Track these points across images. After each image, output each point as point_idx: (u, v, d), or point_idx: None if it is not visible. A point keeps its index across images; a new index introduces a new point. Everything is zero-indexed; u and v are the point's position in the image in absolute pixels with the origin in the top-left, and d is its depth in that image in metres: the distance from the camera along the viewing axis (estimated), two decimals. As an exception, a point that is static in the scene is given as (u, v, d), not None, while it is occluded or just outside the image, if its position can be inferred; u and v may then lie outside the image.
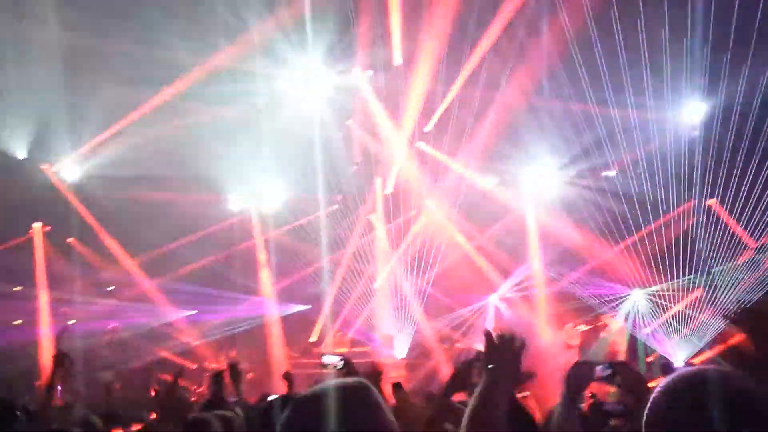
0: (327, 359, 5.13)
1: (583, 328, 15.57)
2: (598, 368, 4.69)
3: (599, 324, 15.36)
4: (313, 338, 17.22)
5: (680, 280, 15.46)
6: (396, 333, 16.64)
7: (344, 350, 16.32)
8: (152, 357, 16.41)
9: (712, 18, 11.31)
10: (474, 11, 12.10)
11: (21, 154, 14.62)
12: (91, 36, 12.55)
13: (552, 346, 15.66)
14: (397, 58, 13.58)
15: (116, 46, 12.70)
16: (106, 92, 13.53)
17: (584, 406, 5.34)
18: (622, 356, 14.39)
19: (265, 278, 17.18)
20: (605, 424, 4.69)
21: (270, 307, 17.01)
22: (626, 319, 15.72)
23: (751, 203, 14.28)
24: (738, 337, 15.16)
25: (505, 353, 2.32)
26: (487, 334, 2.38)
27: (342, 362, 5.04)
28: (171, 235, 16.00)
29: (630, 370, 4.30)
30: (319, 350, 16.57)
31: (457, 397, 4.06)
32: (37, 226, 16.14)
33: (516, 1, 11.96)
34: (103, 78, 13.30)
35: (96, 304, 16.24)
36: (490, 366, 2.30)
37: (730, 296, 15.17)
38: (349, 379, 1.99)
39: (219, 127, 14.59)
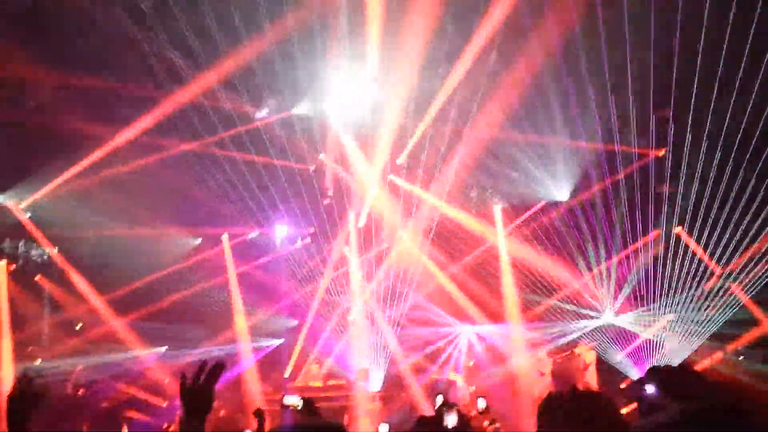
0: (287, 400, 5.13)
1: (549, 358, 15.64)
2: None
3: (572, 353, 15.46)
4: (286, 373, 17.04)
5: (650, 307, 15.71)
6: (370, 365, 16.55)
7: (318, 384, 16.20)
8: (121, 395, 16.09)
9: (677, 40, 11.57)
10: (445, 44, 12.22)
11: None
12: (57, 69, 12.39)
13: (526, 375, 15.72)
14: (373, 91, 13.65)
15: (84, 80, 12.55)
16: (74, 129, 13.36)
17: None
18: (594, 385, 14.51)
19: (238, 313, 16.99)
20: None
21: (243, 342, 16.80)
22: (597, 347, 15.89)
23: (717, 231, 14.59)
24: (704, 363, 15.49)
25: None
26: None
27: (302, 402, 5.04)
28: (141, 271, 15.76)
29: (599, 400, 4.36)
30: (292, 385, 16.40)
31: None
32: (1, 264, 15.75)
33: (486, 34, 12.09)
34: (72, 114, 13.12)
35: (64, 343, 15.89)
36: None
37: (697, 322, 15.47)
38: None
39: (189, 162, 14.49)
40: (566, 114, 13.15)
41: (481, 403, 12.49)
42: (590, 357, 15.02)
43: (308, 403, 5.03)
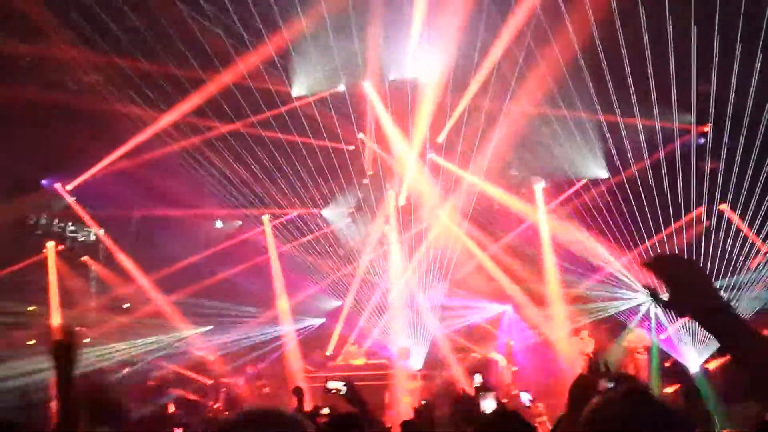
0: (331, 385, 5.23)
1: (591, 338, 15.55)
2: (602, 381, 4.64)
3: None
4: (328, 352, 17.26)
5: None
6: (411, 344, 16.64)
7: (359, 363, 16.37)
8: (168, 374, 16.45)
9: (717, 20, 11.39)
10: (483, 20, 12.17)
11: (35, 174, 14.66)
12: (101, 51, 12.63)
13: (568, 355, 15.63)
14: (411, 71, 13.66)
15: (127, 62, 12.78)
16: (120, 110, 13.64)
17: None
18: (643, 365, 14.45)
19: (280, 293, 17.21)
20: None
21: (285, 321, 17.02)
22: (648, 328, 15.78)
23: (764, 207, 14.36)
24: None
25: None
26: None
27: (345, 387, 5.13)
28: (185, 252, 16.07)
29: (634, 383, 4.28)
30: (334, 364, 16.61)
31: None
32: (50, 245, 16.14)
33: (525, 11, 12.02)
34: (115, 96, 13.39)
35: (111, 323, 16.26)
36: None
37: (743, 300, 15.24)
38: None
39: (230, 143, 14.68)
40: (606, 90, 12.99)
41: (525, 397, 12.43)
42: (637, 340, 14.93)
43: (351, 387, 5.13)
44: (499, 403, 8.27)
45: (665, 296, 1.90)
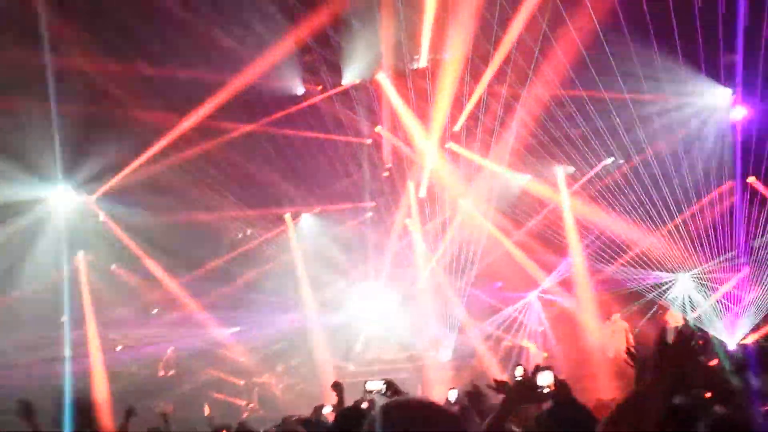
0: (371, 386, 5.12)
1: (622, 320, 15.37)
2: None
3: (659, 317, 15.21)
4: (357, 347, 17.21)
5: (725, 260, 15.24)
6: (440, 335, 16.57)
7: (391, 356, 16.34)
8: (202, 377, 16.54)
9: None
10: (497, 7, 11.99)
11: (60, 184, 14.73)
12: (119, 62, 12.67)
13: (598, 339, 15.45)
14: (423, 61, 13.52)
15: (146, 71, 12.81)
16: (138, 118, 13.68)
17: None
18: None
19: (305, 290, 17.18)
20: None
21: (313, 318, 17.00)
22: (681, 306, 15.56)
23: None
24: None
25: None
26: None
27: (385, 387, 5.01)
28: (210, 255, 16.14)
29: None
30: (364, 358, 16.61)
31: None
32: (80, 254, 16.22)
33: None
34: (134, 104, 13.42)
35: (143, 328, 16.36)
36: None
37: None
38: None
39: (248, 144, 14.66)
40: (627, 66, 12.71)
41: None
42: (675, 319, 14.70)
43: (391, 385, 5.04)
44: (557, 379, 8.14)
45: None
